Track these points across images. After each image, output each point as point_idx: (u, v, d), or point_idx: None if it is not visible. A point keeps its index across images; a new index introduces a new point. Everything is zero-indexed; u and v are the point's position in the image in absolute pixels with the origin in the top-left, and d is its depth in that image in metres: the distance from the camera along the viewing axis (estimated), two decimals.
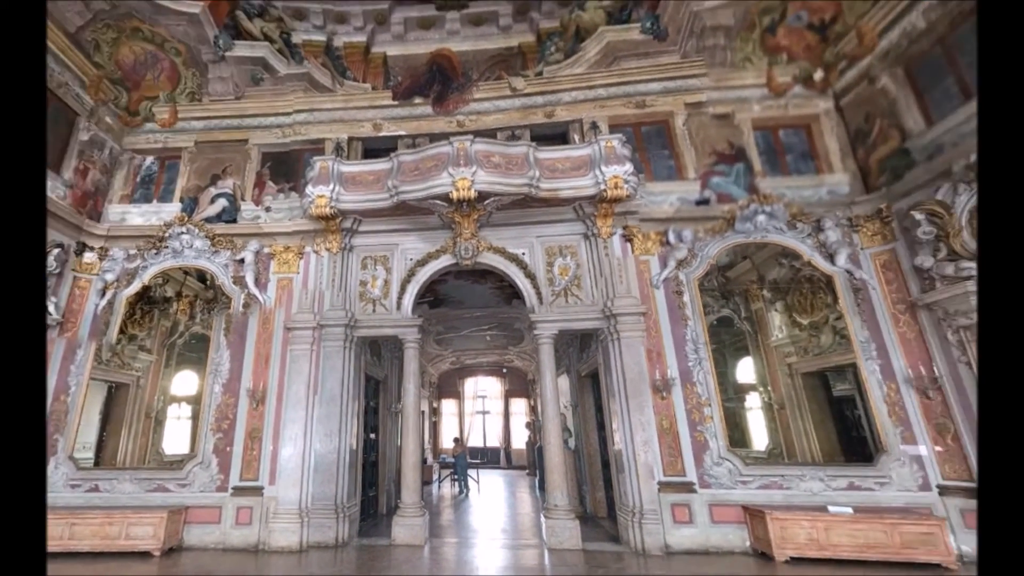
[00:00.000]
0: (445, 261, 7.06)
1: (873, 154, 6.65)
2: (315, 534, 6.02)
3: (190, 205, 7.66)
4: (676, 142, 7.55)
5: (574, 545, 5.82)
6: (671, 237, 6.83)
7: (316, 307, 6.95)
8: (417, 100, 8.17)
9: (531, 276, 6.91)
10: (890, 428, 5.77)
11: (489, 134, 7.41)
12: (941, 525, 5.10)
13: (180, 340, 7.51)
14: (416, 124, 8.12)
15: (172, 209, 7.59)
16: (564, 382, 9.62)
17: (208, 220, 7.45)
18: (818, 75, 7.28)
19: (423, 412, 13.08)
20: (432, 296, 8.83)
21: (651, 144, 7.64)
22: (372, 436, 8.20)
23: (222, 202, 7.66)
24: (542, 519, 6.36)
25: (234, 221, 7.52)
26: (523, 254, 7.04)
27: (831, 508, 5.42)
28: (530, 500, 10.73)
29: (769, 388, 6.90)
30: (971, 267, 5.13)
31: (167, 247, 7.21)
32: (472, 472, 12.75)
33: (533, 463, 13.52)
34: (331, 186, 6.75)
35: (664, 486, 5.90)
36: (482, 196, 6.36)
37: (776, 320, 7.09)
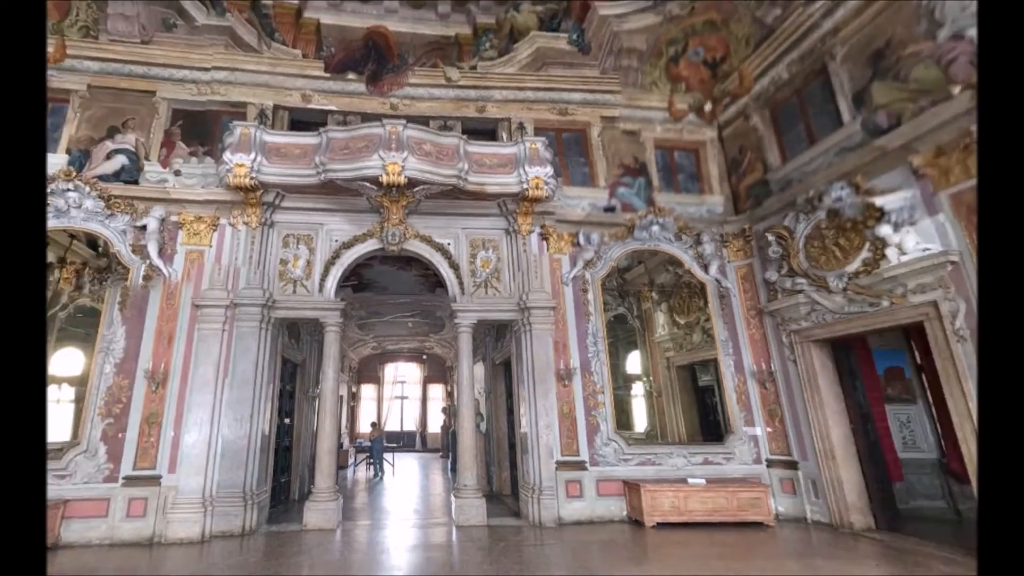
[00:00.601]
0: (371, 245, 6.84)
1: (742, 182, 7.59)
2: (220, 523, 5.65)
3: (80, 159, 6.56)
4: (591, 151, 7.94)
5: (480, 521, 6.07)
6: (581, 239, 7.21)
7: (230, 284, 6.41)
8: (350, 76, 7.73)
9: (455, 267, 6.95)
10: (737, 413, 6.77)
11: (422, 121, 7.24)
12: (766, 491, 6.14)
13: (63, 313, 6.57)
14: (348, 101, 7.72)
15: (57, 161, 6.40)
16: (480, 369, 9.92)
17: (103, 178, 6.46)
18: (708, 107, 8.09)
19: (342, 397, 12.83)
20: (356, 280, 8.62)
21: (570, 151, 7.96)
22: (286, 421, 7.87)
23: (121, 159, 6.68)
24: (452, 499, 6.54)
25: (135, 182, 6.62)
26: (449, 244, 7.03)
27: (690, 480, 6.21)
28: (442, 481, 11.00)
29: (651, 378, 7.73)
30: (803, 282, 6.14)
31: (48, 204, 6.13)
32: (388, 456, 12.78)
33: (447, 446, 13.82)
34: (252, 155, 6.22)
35: (561, 465, 6.33)
36: (412, 183, 6.25)
37: (660, 319, 7.92)
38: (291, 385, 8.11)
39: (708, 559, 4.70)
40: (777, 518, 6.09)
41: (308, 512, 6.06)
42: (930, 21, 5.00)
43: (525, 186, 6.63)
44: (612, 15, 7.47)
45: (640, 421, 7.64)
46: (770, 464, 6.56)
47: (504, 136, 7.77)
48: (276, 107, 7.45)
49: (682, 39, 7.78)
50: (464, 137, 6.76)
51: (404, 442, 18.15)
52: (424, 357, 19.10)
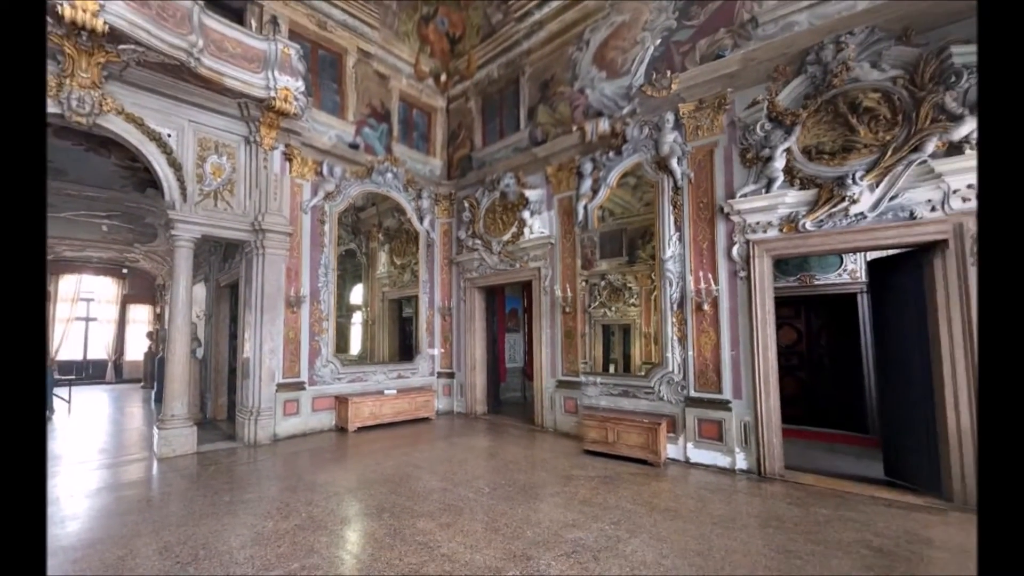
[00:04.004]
0: None
1: (456, 153, 8.78)
2: None
3: None
4: (344, 81, 7.56)
5: (188, 450, 5.66)
6: (325, 170, 7.00)
7: None
8: None
9: (176, 166, 5.62)
10: (424, 338, 8.38)
11: None
12: (434, 395, 7.99)
13: None
14: None
15: None
16: (201, 291, 8.92)
17: None
18: (443, 78, 8.81)
19: None
20: None
21: (324, 73, 7.37)
22: None
23: None
24: (155, 430, 5.84)
25: None
26: (169, 136, 5.57)
27: (386, 391, 7.43)
28: (143, 414, 9.64)
29: (368, 308, 8.57)
30: (479, 243, 7.88)
31: None
32: (61, 391, 10.36)
33: (151, 375, 12.05)
34: None
35: (281, 386, 6.43)
36: (116, 36, 4.60)
37: (383, 258, 8.67)
38: None
39: (390, 448, 5.89)
40: (438, 413, 8.09)
41: None
42: (573, 72, 6.87)
43: (273, 94, 5.81)
44: None
45: (355, 345, 8.50)
46: (439, 375, 8.51)
47: (253, 25, 6.52)
48: None
49: (435, 2, 8.03)
50: (202, 3, 5.29)
51: (89, 373, 14.69)
52: (125, 271, 15.33)
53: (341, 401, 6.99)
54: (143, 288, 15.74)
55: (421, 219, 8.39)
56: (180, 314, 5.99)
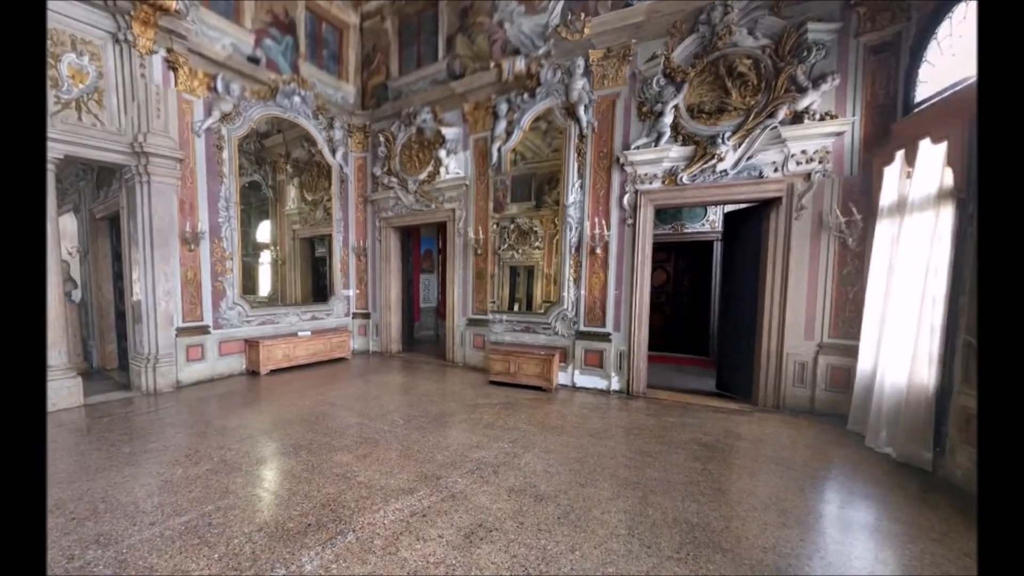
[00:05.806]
0: None
1: (371, 80, 8.42)
2: None
3: None
4: None
5: (73, 403, 5.29)
6: (220, 85, 6.37)
7: None
8: None
9: None
10: (339, 279, 8.48)
11: None
12: (349, 336, 8.31)
13: None
14: None
15: None
16: (71, 223, 8.17)
17: None
18: None
19: None
20: None
21: None
22: None
23: None
24: None
25: None
26: None
27: (299, 333, 7.56)
28: None
29: (278, 247, 8.39)
30: (395, 181, 7.91)
31: None
32: None
33: None
34: None
35: (182, 331, 6.21)
36: None
37: (292, 193, 8.37)
38: None
39: (306, 389, 6.10)
40: (353, 353, 8.47)
41: None
42: (493, 2, 6.82)
43: None
44: None
45: (265, 286, 8.34)
46: (355, 316, 8.79)
47: None
48: None
49: None
50: None
51: None
52: None
53: (251, 344, 7.00)
54: None
55: (333, 152, 8.20)
56: (47, 250, 5.44)
